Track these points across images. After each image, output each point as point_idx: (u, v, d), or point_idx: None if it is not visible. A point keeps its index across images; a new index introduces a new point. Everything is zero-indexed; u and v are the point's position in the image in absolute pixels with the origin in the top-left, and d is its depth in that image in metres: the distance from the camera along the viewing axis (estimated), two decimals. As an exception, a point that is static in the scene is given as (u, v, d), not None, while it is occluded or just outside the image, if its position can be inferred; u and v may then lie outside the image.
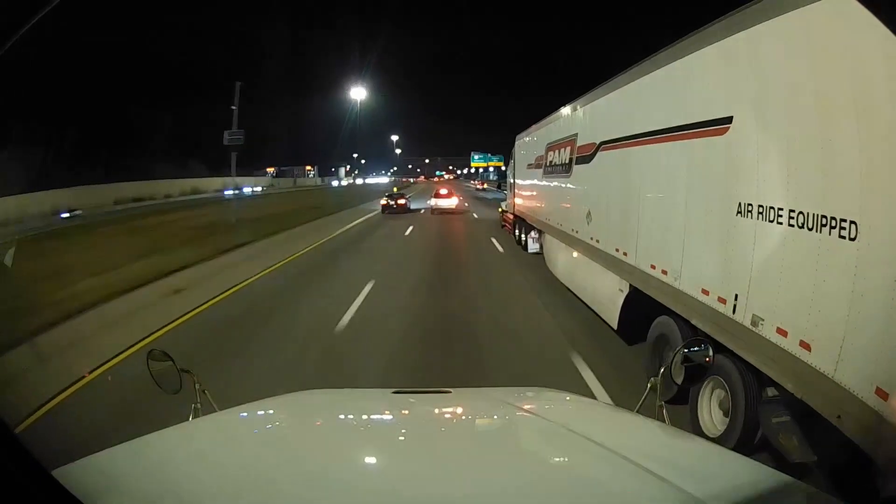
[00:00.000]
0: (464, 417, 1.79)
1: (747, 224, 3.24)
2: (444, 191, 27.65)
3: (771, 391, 3.21)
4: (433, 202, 26.68)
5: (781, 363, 2.89)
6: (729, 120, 3.48)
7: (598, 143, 6.41)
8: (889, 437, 2.17)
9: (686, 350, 1.73)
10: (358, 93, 48.46)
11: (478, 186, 69.04)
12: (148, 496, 1.03)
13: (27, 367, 5.68)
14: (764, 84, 3.18)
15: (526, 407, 1.77)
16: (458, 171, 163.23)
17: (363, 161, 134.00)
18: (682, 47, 4.24)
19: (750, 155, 3.28)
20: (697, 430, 3.72)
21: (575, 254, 7.49)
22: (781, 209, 2.94)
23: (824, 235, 2.59)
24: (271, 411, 1.75)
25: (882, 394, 2.21)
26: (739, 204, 3.31)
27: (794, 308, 2.84)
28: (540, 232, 11.32)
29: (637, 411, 1.70)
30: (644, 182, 5.03)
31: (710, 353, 1.73)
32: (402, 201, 26.22)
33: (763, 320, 3.07)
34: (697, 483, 1.08)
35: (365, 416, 1.73)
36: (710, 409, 3.76)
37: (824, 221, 2.60)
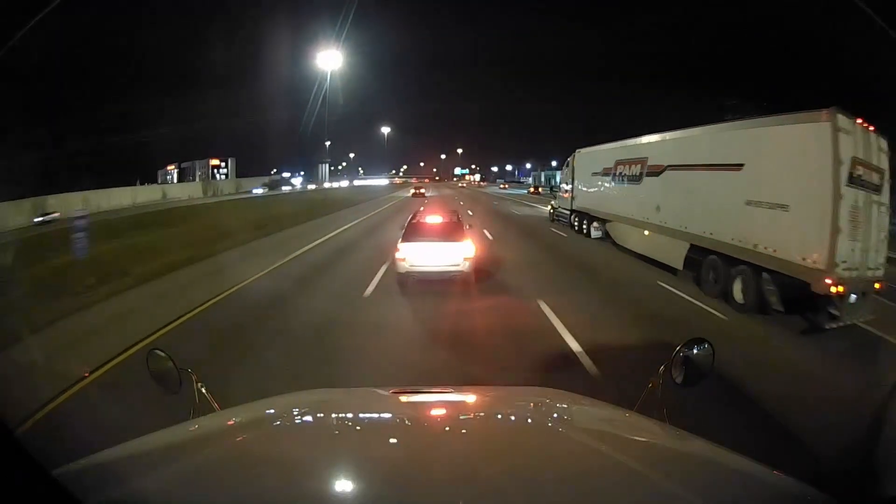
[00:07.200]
0: (463, 417, 1.77)
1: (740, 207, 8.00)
2: (433, 218, 9.76)
3: (765, 275, 7.74)
4: (402, 254, 8.65)
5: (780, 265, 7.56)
6: (741, 166, 8.24)
7: (665, 165, 11.11)
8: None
9: (687, 350, 1.77)
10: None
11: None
12: (148, 496, 1.04)
13: None
14: (760, 150, 7.99)
15: (526, 406, 1.78)
16: (491, 170, 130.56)
17: (352, 155, 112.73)
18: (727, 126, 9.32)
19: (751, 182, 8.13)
20: (734, 304, 8.32)
21: (646, 232, 12.02)
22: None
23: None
24: (270, 411, 1.75)
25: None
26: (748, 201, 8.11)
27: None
28: (603, 221, 15.54)
29: (637, 411, 1.72)
30: (690, 192, 9.98)
31: (712, 352, 1.77)
32: (422, 190, 47.44)
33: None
34: (697, 483, 1.12)
35: (364, 416, 1.72)
36: (735, 292, 8.36)
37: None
